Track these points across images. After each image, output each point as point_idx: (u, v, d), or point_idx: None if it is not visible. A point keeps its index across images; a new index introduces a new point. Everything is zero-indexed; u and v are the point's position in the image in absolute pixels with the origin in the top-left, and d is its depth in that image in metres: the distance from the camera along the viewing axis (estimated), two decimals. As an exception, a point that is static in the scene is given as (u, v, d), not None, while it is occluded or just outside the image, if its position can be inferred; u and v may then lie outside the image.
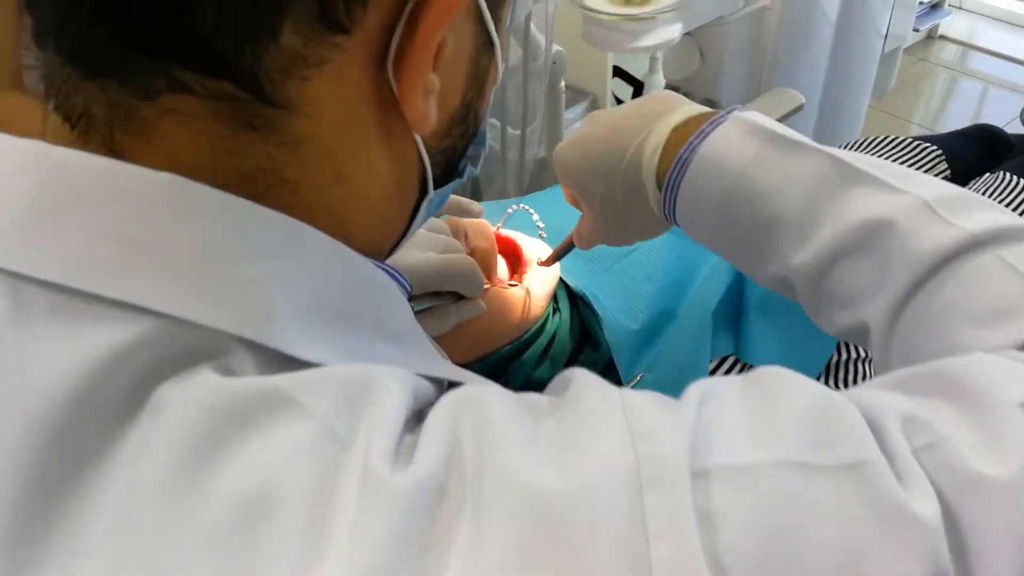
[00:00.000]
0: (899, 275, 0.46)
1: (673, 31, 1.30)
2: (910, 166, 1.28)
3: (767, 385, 0.35)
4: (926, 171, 1.29)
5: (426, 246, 0.62)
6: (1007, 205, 1.15)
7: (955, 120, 2.71)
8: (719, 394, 0.34)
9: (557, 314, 0.79)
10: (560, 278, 0.82)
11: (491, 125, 1.91)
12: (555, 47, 1.51)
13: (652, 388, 0.75)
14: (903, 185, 0.48)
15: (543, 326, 0.76)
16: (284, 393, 0.29)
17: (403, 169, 0.39)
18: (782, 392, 0.34)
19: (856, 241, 0.49)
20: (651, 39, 1.27)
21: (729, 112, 0.56)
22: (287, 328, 0.32)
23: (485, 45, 0.39)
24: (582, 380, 0.34)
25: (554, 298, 0.80)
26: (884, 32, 1.76)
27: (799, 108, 1.37)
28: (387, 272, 0.41)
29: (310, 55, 0.32)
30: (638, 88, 2.11)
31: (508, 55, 1.09)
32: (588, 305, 0.80)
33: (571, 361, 0.78)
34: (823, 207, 0.50)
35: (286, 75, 0.32)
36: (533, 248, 0.79)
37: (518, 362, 0.73)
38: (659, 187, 0.57)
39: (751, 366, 0.79)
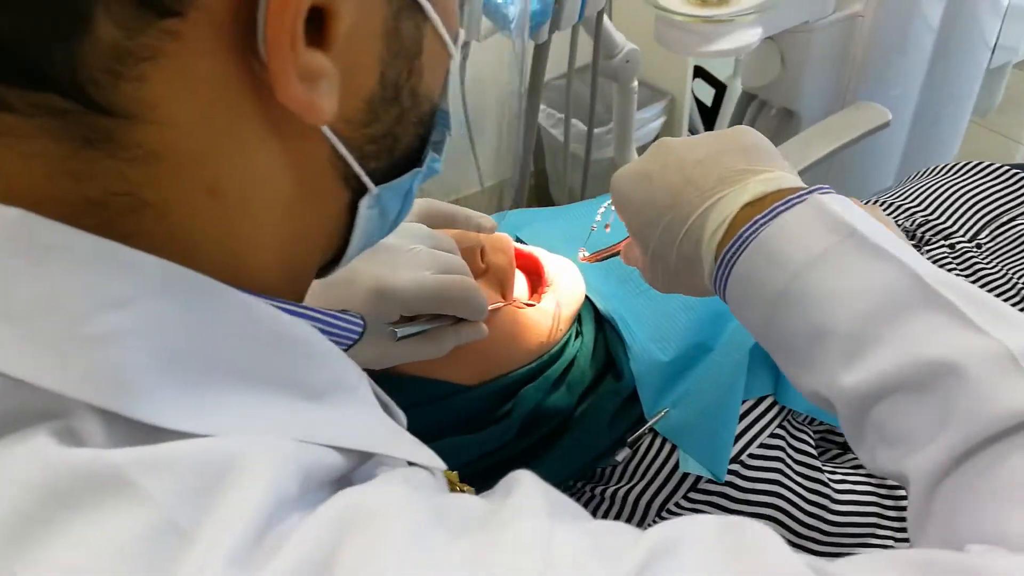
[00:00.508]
0: (959, 431, 0.40)
1: (751, 36, 1.22)
2: (1006, 199, 1.17)
3: (745, 553, 0.29)
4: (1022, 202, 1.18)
5: (424, 265, 0.57)
6: None
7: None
8: (681, 554, 0.28)
9: (579, 338, 0.75)
10: (588, 298, 0.77)
11: (558, 120, 1.86)
12: (629, 44, 1.44)
13: (678, 425, 0.70)
14: (988, 325, 0.41)
15: (562, 350, 0.72)
16: (120, 472, 0.25)
17: (307, 168, 0.33)
18: (759, 566, 0.28)
19: (916, 378, 0.42)
20: (726, 43, 1.20)
21: (811, 192, 0.49)
22: (143, 391, 0.27)
23: (407, 12, 0.33)
24: (520, 501, 0.30)
25: (578, 320, 0.76)
26: (992, 45, 1.63)
27: (884, 125, 1.27)
28: (303, 314, 0.35)
29: (138, 48, 0.26)
30: (720, 90, 2.02)
31: (462, 24, 1.03)
32: (615, 330, 0.75)
33: (590, 390, 0.72)
34: (885, 328, 0.44)
35: (115, 76, 0.26)
36: (557, 265, 0.74)
37: (530, 387, 0.68)
38: (715, 259, 0.52)
39: (789, 409, 0.73)
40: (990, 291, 1.00)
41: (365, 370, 0.39)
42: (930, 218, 1.14)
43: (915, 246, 1.07)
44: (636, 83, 1.53)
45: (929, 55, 1.49)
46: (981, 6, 1.52)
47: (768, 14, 1.21)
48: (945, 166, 1.22)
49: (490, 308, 0.63)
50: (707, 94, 2.11)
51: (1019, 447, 0.38)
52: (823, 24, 1.33)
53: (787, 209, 0.48)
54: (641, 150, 1.92)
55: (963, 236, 1.12)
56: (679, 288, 0.59)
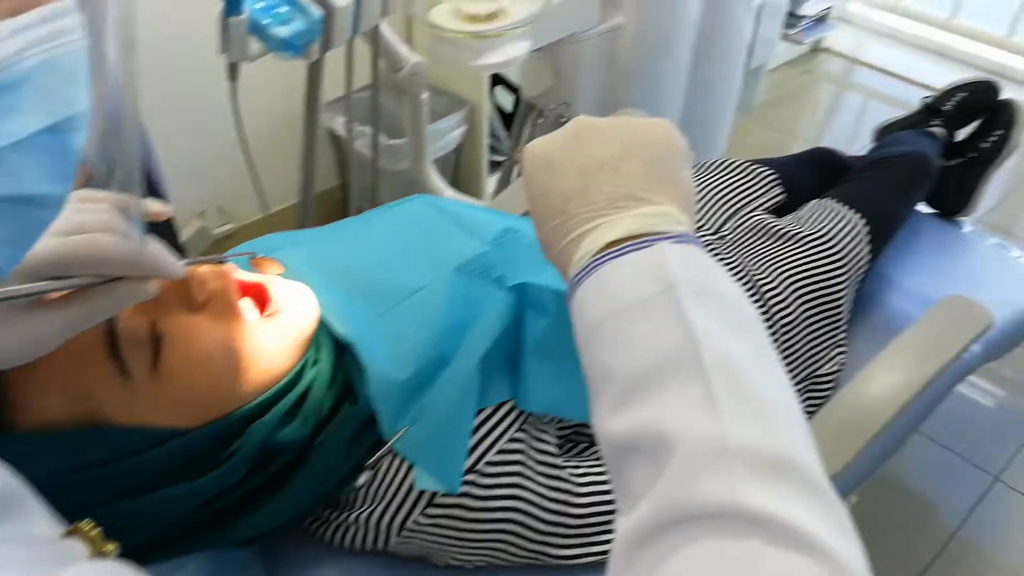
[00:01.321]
0: (651, 509, 0.41)
1: (520, 49, 1.29)
2: (746, 190, 1.30)
3: None
4: (761, 194, 1.31)
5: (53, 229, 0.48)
6: (825, 232, 1.18)
7: (838, 133, 2.79)
8: None
9: (315, 366, 0.73)
10: (324, 324, 0.76)
11: (360, 133, 1.88)
12: (415, 57, 1.49)
13: (414, 443, 0.70)
14: (729, 412, 0.42)
15: (294, 380, 0.69)
16: None
17: None
18: None
19: (648, 445, 0.43)
20: (496, 56, 1.27)
21: (666, 239, 0.50)
22: None
23: None
24: None
25: (315, 347, 0.74)
26: (749, 45, 1.80)
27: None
28: None
29: None
30: (519, 95, 2.11)
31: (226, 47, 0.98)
32: (354, 355, 0.74)
33: (328, 419, 0.71)
34: (652, 389, 0.45)
35: None
36: (287, 291, 0.73)
37: (258, 423, 0.65)
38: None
39: (529, 413, 0.76)
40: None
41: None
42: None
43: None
44: (426, 95, 1.58)
45: (690, 59, 1.63)
46: (737, 9, 1.68)
47: (535, 28, 1.29)
48: (695, 166, 1.34)
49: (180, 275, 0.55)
50: (508, 100, 2.19)
51: (692, 540, 0.39)
52: (590, 35, 1.44)
53: (635, 250, 0.50)
54: (442, 160, 1.98)
55: (710, 230, 1.24)
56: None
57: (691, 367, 0.45)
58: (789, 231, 1.22)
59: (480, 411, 0.73)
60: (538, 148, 0.58)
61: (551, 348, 0.75)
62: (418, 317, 0.76)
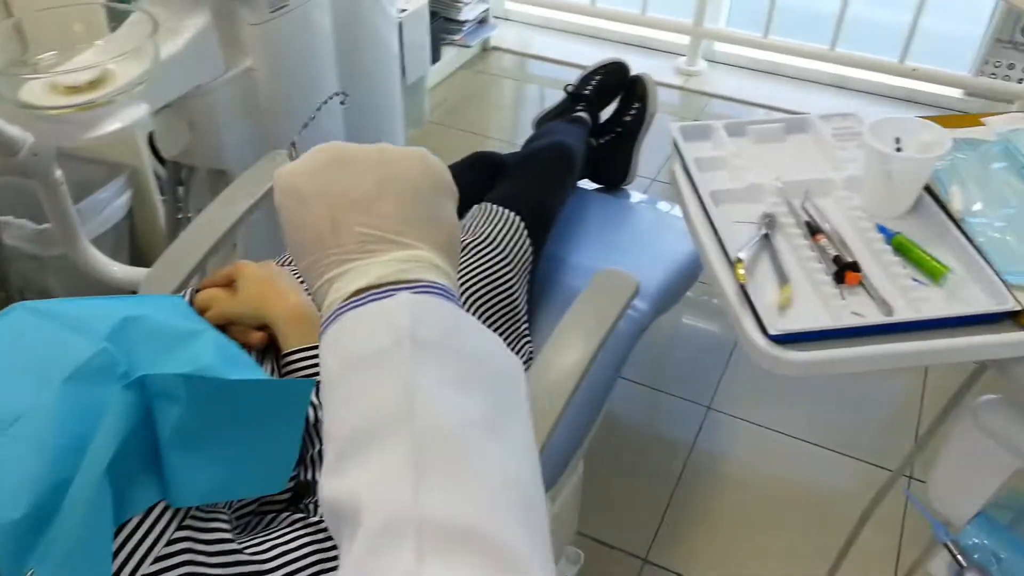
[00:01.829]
0: None
1: (137, 112, 1.21)
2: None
3: None
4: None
5: None
6: (486, 235, 1.22)
7: (526, 123, 2.93)
8: None
9: None
10: None
11: (5, 224, 1.70)
12: (30, 137, 1.34)
13: None
14: (430, 482, 0.41)
15: None
16: None
17: None
18: None
19: (346, 511, 0.42)
20: (111, 125, 1.18)
21: (411, 287, 0.49)
22: None
23: None
24: None
25: None
26: (401, 63, 1.83)
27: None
28: None
29: None
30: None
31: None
32: None
33: None
34: (360, 450, 0.43)
35: None
36: None
37: None
38: None
39: (189, 509, 0.71)
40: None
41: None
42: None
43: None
44: (59, 172, 1.44)
45: (337, 85, 1.62)
46: (378, 27, 1.69)
47: (153, 87, 1.21)
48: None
49: None
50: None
51: None
52: (219, 84, 1.38)
53: (376, 300, 0.48)
54: (113, 232, 1.83)
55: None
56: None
57: (402, 430, 0.43)
58: None
59: (126, 523, 0.68)
60: (287, 178, 0.54)
61: (192, 435, 0.70)
62: (23, 447, 0.68)
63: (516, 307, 1.24)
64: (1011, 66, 2.61)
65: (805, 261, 0.86)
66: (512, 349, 1.20)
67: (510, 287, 1.23)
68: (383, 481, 0.41)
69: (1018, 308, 0.78)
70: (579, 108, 1.83)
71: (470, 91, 3.05)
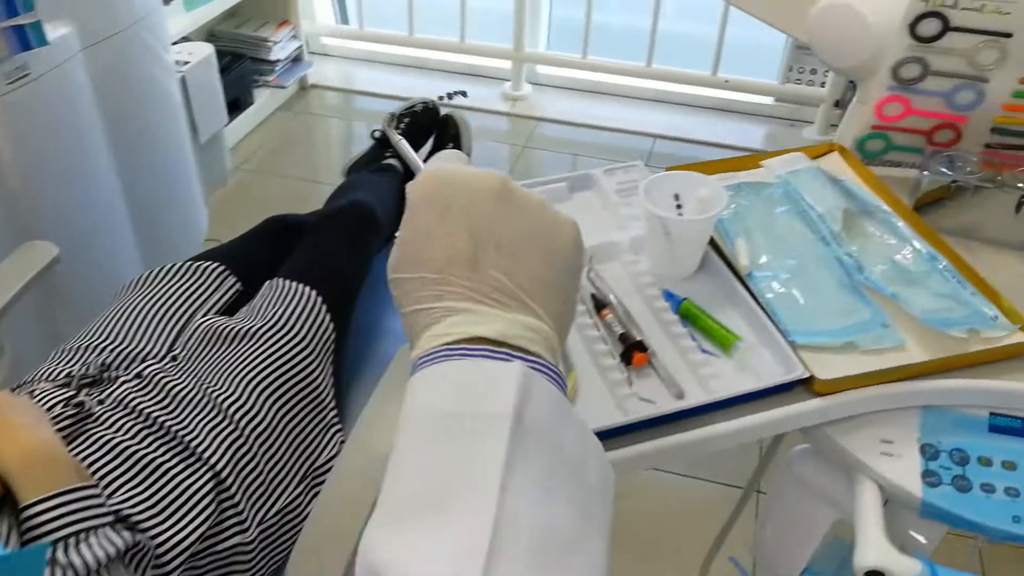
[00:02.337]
0: None
1: None
2: (192, 295, 1.18)
3: None
4: (210, 295, 1.20)
5: None
6: (278, 318, 1.10)
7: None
8: None
9: None
10: None
11: None
12: None
13: None
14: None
15: None
16: None
17: None
18: None
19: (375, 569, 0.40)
20: None
21: (530, 362, 0.45)
22: None
23: None
24: None
25: None
26: (189, 128, 1.68)
27: (55, 261, 1.18)
28: None
29: None
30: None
31: None
32: None
33: None
34: (424, 516, 0.40)
35: None
36: None
37: None
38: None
39: None
40: (165, 401, 0.97)
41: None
42: (123, 347, 1.09)
43: (99, 385, 1.00)
44: None
45: (110, 155, 1.46)
46: (151, 89, 1.54)
47: None
48: (127, 285, 1.19)
49: None
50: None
51: None
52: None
53: (490, 358, 0.45)
54: None
55: (156, 356, 1.09)
56: None
57: (482, 512, 0.39)
58: (242, 329, 1.11)
59: None
60: (439, 183, 0.50)
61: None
62: None
63: (320, 395, 1.12)
64: (813, 71, 2.71)
65: (591, 342, 0.79)
66: (320, 442, 1.09)
67: (310, 374, 1.10)
68: (446, 559, 0.38)
69: (807, 375, 0.74)
70: (388, 154, 1.73)
71: (291, 134, 2.91)
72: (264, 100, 2.89)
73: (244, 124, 2.80)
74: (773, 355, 0.78)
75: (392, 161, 1.70)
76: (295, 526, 1.02)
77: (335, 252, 1.32)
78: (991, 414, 0.76)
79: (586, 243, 0.88)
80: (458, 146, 1.80)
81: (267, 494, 0.98)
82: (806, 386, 0.75)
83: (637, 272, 0.87)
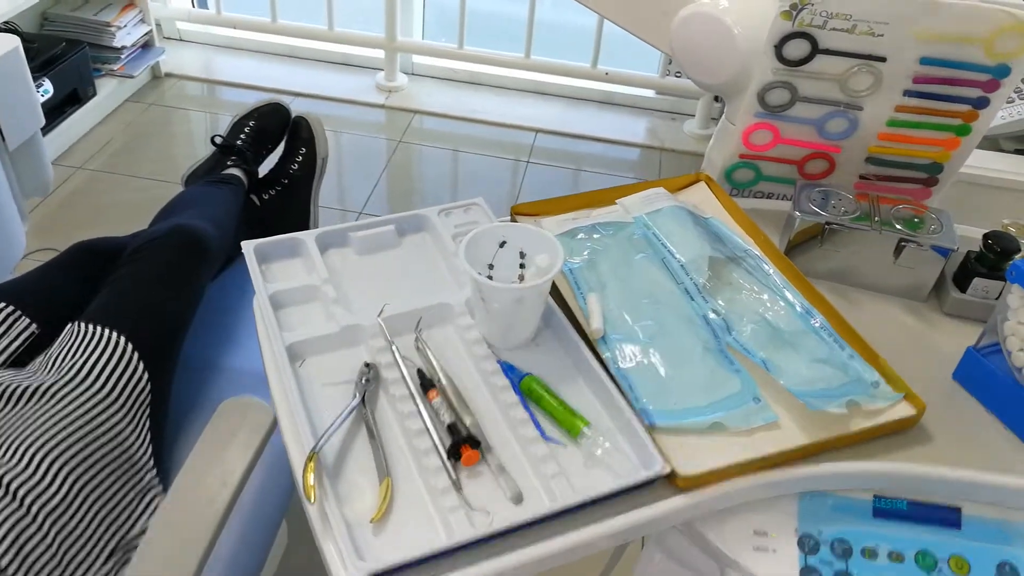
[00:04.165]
0: None
1: None
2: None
3: None
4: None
5: None
6: (76, 371, 0.92)
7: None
8: None
9: None
10: None
11: None
12: None
13: None
14: None
15: None
16: None
17: None
18: None
19: None
20: None
21: None
22: None
23: None
24: None
25: None
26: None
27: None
28: None
29: None
30: None
31: None
32: None
33: None
34: None
35: None
36: None
37: None
38: None
39: None
40: None
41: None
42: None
43: None
44: None
45: None
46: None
47: None
48: None
49: None
50: None
51: None
52: None
53: None
54: None
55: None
56: None
57: None
58: (31, 386, 0.93)
59: None
60: None
61: None
62: None
63: (132, 457, 0.95)
64: (695, 66, 2.64)
65: (413, 437, 0.65)
66: (134, 510, 0.93)
67: (118, 434, 0.93)
68: None
69: (667, 471, 0.63)
70: (230, 163, 1.54)
71: (144, 128, 2.64)
72: (110, 91, 2.62)
73: (86, 118, 2.54)
74: (628, 442, 0.66)
75: (234, 171, 1.51)
76: (104, 612, 0.86)
77: (151, 288, 1.13)
78: (875, 496, 0.68)
79: (414, 303, 0.78)
80: (312, 153, 1.63)
81: (65, 581, 0.82)
82: (668, 480, 0.64)
83: (472, 340, 0.74)
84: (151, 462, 0.98)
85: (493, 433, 0.67)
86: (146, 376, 1.00)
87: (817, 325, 0.76)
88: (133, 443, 0.95)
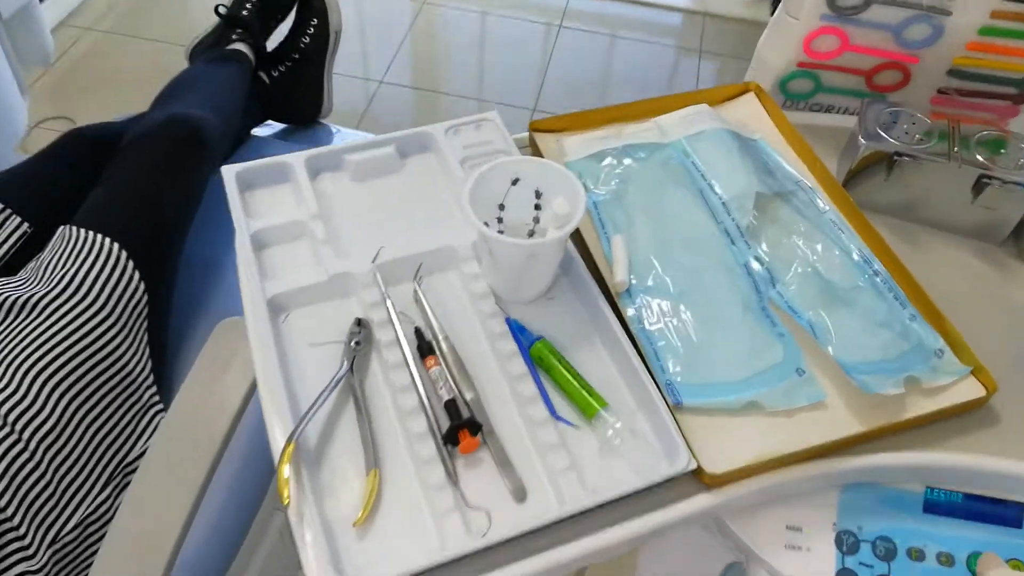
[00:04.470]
0: None
1: None
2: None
3: None
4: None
5: None
6: (65, 283, 0.86)
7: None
8: None
9: None
10: None
11: None
12: None
13: None
14: None
15: None
16: None
17: None
18: None
19: None
20: None
21: None
22: None
23: None
24: None
25: None
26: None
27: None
28: None
29: None
30: None
31: None
32: None
33: None
34: None
35: None
36: None
37: None
38: None
39: None
40: None
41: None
42: None
43: None
44: None
45: None
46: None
47: None
48: None
49: None
50: None
51: None
52: None
53: None
54: None
55: None
56: None
57: None
58: (21, 298, 0.87)
59: None
60: None
61: None
62: None
63: (130, 374, 0.90)
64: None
65: (406, 416, 0.58)
66: (134, 430, 0.89)
67: (114, 350, 0.88)
68: None
69: (693, 466, 0.55)
70: (236, 37, 1.41)
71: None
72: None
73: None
74: (650, 424, 0.58)
75: (240, 46, 1.38)
76: (102, 536, 0.84)
77: (147, 186, 1.04)
78: (928, 488, 0.60)
79: (414, 246, 0.65)
80: (324, 25, 1.49)
81: (61, 508, 0.79)
82: (694, 475, 0.56)
83: (478, 294, 0.65)
84: (150, 378, 0.93)
85: (497, 411, 0.59)
86: (143, 287, 0.93)
87: (878, 278, 0.66)
88: (130, 359, 0.90)
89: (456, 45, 2.35)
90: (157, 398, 0.92)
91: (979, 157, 0.70)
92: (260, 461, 0.92)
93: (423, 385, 0.59)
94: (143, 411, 0.90)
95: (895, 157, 0.71)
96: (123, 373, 0.88)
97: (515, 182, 0.64)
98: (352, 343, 0.61)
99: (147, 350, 0.93)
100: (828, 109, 0.84)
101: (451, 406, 0.57)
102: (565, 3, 2.46)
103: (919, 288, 0.65)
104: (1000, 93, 0.78)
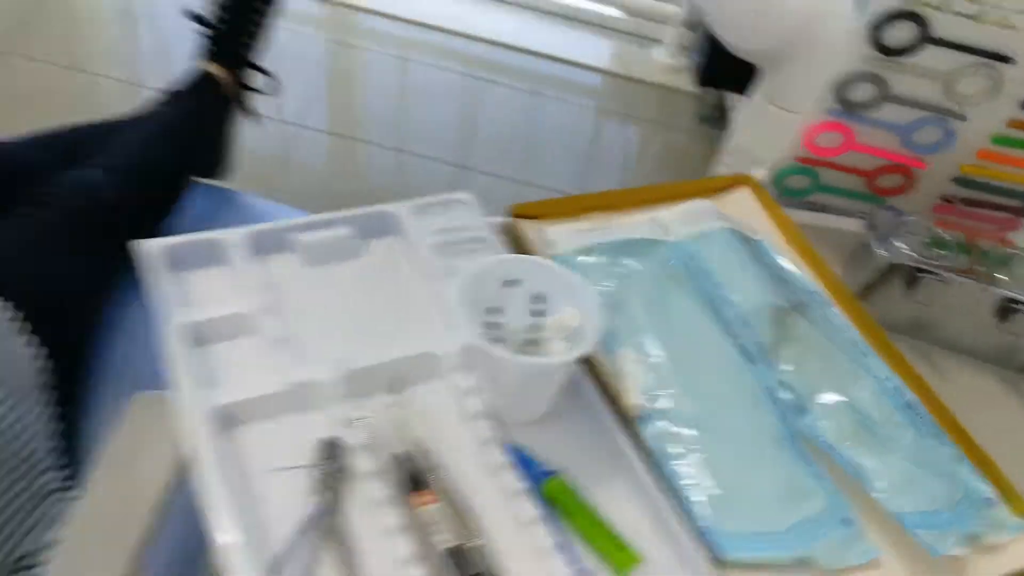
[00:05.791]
0: None
1: None
2: None
3: None
4: None
5: None
6: None
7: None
8: None
9: None
10: None
11: None
12: None
13: None
14: None
15: None
16: None
17: None
18: None
19: None
20: None
21: None
22: None
23: None
24: None
25: None
26: None
27: None
28: None
29: None
30: None
31: None
32: None
33: None
34: None
35: None
36: None
37: None
38: None
39: None
40: None
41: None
42: None
43: None
44: None
45: None
46: None
47: None
48: None
49: None
50: None
51: None
52: None
53: None
54: None
55: None
56: None
57: None
58: None
59: None
60: None
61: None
62: None
63: (24, 448, 0.74)
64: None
65: (400, 567, 0.45)
66: (27, 522, 0.72)
67: (7, 430, 0.73)
68: None
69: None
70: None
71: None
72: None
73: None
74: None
75: (208, 66, 1.20)
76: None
77: (50, 248, 0.88)
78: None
79: (386, 350, 0.53)
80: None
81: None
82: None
83: (469, 412, 0.53)
84: (48, 459, 0.76)
85: (511, 567, 0.47)
86: (43, 352, 0.77)
87: (910, 409, 0.59)
88: (24, 429, 0.74)
89: (375, 88, 2.24)
90: (59, 483, 0.76)
91: (1001, 276, 0.65)
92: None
93: (416, 537, 0.47)
94: (38, 497, 0.74)
95: (917, 274, 0.65)
96: (15, 447, 0.73)
97: (510, 283, 0.54)
98: (321, 473, 0.48)
99: (52, 424, 0.78)
100: (823, 209, 0.78)
101: (455, 554, 0.46)
102: (488, 53, 2.42)
103: (956, 422, 0.58)
104: (1005, 205, 0.74)
